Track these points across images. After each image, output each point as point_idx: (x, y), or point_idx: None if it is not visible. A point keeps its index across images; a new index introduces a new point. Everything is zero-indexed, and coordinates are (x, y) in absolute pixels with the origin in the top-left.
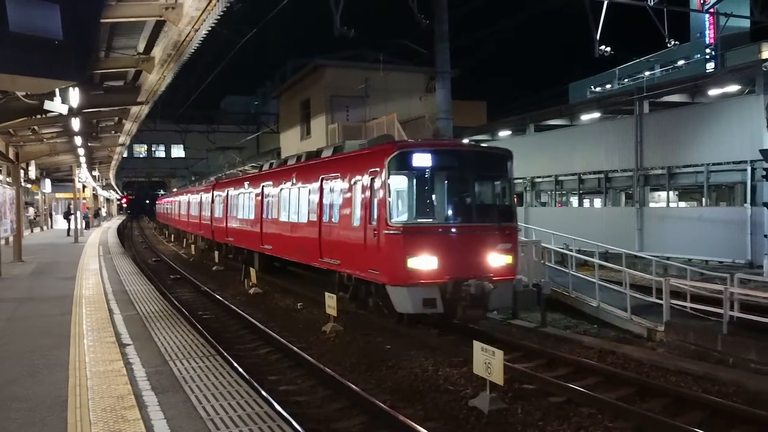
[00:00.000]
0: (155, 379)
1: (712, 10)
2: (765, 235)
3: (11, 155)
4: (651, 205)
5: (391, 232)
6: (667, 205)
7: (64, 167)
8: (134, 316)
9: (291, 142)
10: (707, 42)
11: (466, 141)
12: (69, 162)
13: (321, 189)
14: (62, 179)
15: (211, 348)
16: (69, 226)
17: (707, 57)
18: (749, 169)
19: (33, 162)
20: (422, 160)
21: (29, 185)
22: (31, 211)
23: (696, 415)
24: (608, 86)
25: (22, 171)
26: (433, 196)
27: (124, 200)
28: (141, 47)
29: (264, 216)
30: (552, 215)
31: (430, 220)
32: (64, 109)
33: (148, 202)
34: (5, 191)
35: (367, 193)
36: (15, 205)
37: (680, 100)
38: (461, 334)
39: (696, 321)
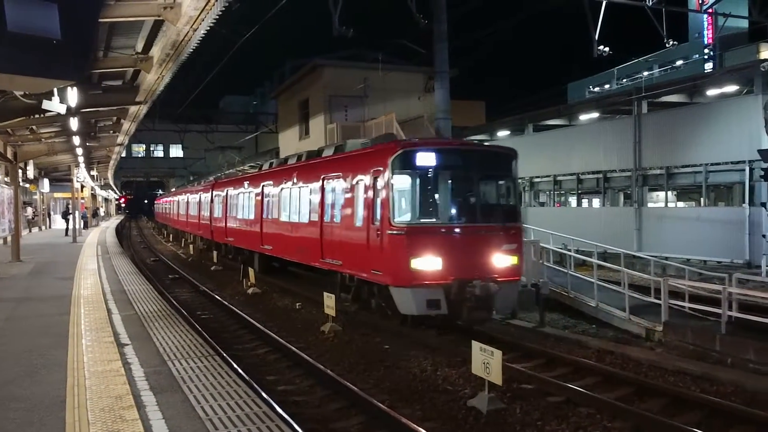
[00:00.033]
0: (154, 379)
1: (710, 11)
2: (763, 235)
3: (9, 155)
4: (649, 205)
5: (395, 232)
6: (666, 205)
7: (63, 167)
8: (133, 316)
9: (289, 142)
10: (706, 42)
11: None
12: (67, 162)
13: (322, 188)
14: (60, 179)
15: (210, 348)
16: (67, 225)
17: (706, 57)
18: (747, 169)
19: (31, 162)
20: (426, 159)
21: (27, 185)
22: (30, 210)
23: (694, 415)
24: (607, 86)
25: (20, 171)
26: (438, 196)
27: (122, 200)
28: (139, 47)
29: (264, 216)
30: (550, 215)
31: (434, 220)
32: (62, 109)
33: (146, 201)
34: (3, 191)
35: (370, 193)
36: (13, 205)
37: (679, 101)
38: (460, 334)
39: (694, 321)
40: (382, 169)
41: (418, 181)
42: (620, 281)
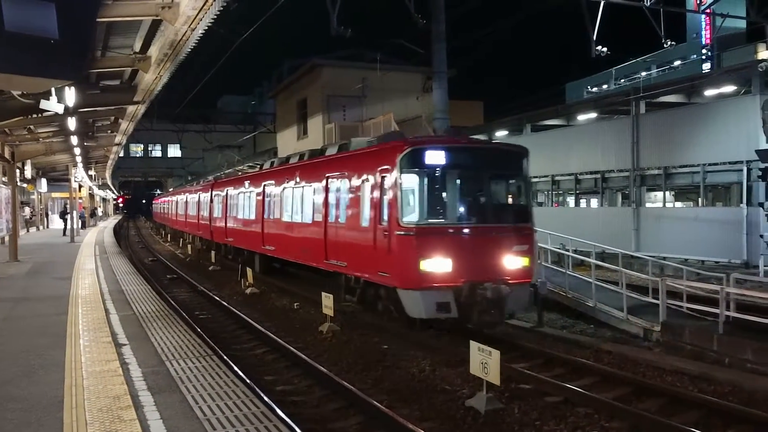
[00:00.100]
0: (152, 380)
1: (708, 11)
2: (761, 235)
3: (7, 154)
4: (647, 205)
5: (403, 233)
6: (664, 206)
7: (60, 167)
8: (130, 316)
9: (288, 142)
10: (703, 42)
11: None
12: (65, 161)
13: (326, 188)
14: (58, 179)
15: (208, 348)
16: (65, 225)
17: (703, 57)
18: (745, 169)
19: (29, 161)
20: (436, 157)
21: (25, 185)
22: (27, 210)
23: (692, 415)
24: (605, 86)
25: (18, 170)
26: (447, 195)
27: (120, 200)
28: (137, 46)
29: (265, 216)
30: (549, 215)
31: (444, 220)
32: (60, 109)
33: (144, 201)
34: (1, 191)
35: (377, 192)
36: (11, 205)
37: (677, 101)
38: (458, 335)
39: (692, 321)
40: (389, 167)
41: (427, 180)
42: (618, 281)
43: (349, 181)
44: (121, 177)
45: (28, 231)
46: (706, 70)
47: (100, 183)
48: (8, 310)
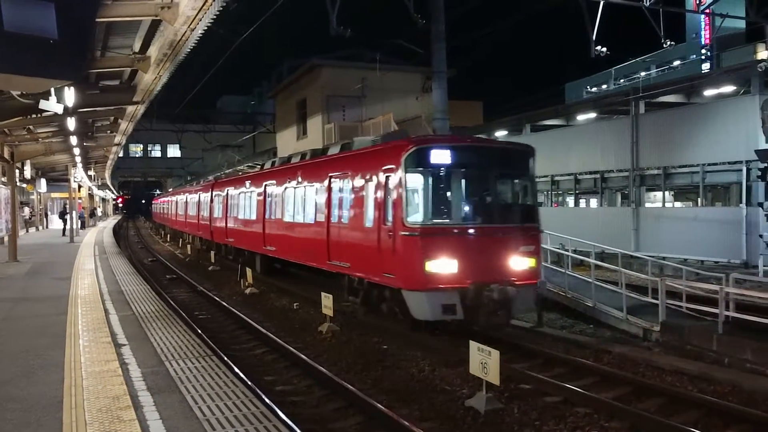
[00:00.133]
0: (151, 380)
1: (707, 11)
2: (760, 235)
3: (6, 155)
4: (647, 205)
5: (408, 233)
6: (663, 205)
7: (60, 167)
8: (130, 317)
9: (287, 143)
10: (703, 42)
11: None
12: (64, 161)
13: (329, 188)
14: (58, 179)
15: (208, 348)
16: (64, 225)
17: (703, 57)
18: (744, 169)
19: (28, 161)
20: (441, 156)
21: (24, 185)
22: (27, 210)
23: (691, 415)
24: (604, 86)
25: (17, 170)
26: (453, 195)
27: (119, 200)
28: (137, 47)
29: (267, 216)
30: (548, 215)
31: (450, 220)
32: (59, 109)
33: (144, 201)
34: (0, 191)
35: (381, 192)
36: (10, 205)
37: (676, 101)
38: (458, 335)
39: (692, 321)
40: (394, 167)
41: (432, 179)
42: (618, 281)
43: (353, 180)
44: (120, 177)
45: (27, 231)
46: (706, 70)
47: (100, 183)
48: (7, 311)
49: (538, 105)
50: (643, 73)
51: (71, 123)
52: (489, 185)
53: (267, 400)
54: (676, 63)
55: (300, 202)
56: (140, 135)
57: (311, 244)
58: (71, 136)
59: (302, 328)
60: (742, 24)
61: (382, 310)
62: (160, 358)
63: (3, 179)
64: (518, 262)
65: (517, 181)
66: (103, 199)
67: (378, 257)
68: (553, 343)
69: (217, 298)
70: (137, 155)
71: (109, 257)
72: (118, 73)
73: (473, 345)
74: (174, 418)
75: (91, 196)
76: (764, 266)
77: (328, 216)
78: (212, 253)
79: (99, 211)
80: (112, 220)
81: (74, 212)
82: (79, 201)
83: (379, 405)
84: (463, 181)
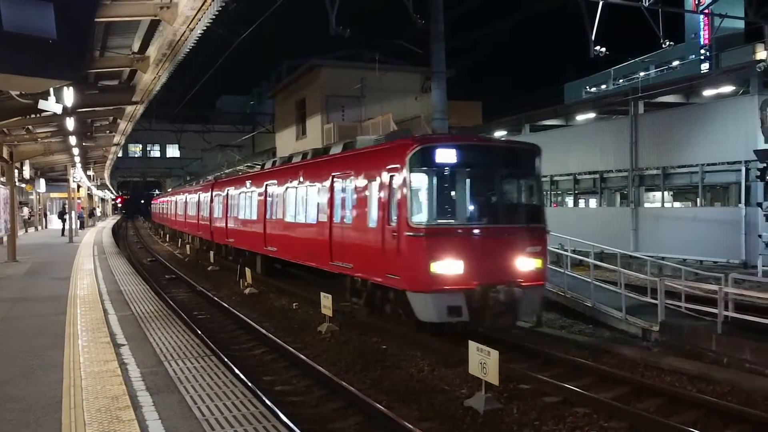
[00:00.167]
0: (150, 380)
1: (706, 11)
2: (759, 235)
3: (5, 155)
4: (646, 205)
5: (413, 233)
6: (662, 206)
7: (59, 167)
8: (129, 317)
9: (286, 143)
10: (702, 43)
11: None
12: (63, 162)
13: (332, 188)
14: (57, 179)
15: (207, 348)
16: (63, 226)
17: (702, 57)
18: (743, 169)
19: (27, 161)
20: (446, 155)
21: (23, 185)
22: (26, 210)
23: (690, 415)
24: (603, 87)
25: (16, 170)
26: (458, 195)
27: (119, 200)
28: (136, 46)
29: (268, 216)
30: (548, 215)
31: (455, 220)
32: (58, 109)
33: (143, 201)
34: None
35: (385, 192)
36: (9, 205)
37: (675, 101)
38: (457, 335)
39: (691, 321)
40: (398, 166)
41: (437, 179)
42: (617, 281)
43: (356, 180)
44: (119, 177)
45: (26, 231)
46: (705, 71)
47: (99, 183)
48: (6, 311)
49: (537, 105)
50: (642, 74)
51: (70, 123)
52: (495, 185)
53: (266, 401)
54: (675, 63)
55: (302, 202)
56: (139, 135)
57: (313, 245)
58: (70, 136)
59: (301, 328)
60: (741, 24)
61: (385, 312)
62: (159, 358)
63: (2, 179)
64: (524, 263)
65: (523, 180)
66: (102, 199)
67: (382, 258)
68: (553, 343)
69: (217, 298)
70: (136, 155)
71: (108, 257)
72: (117, 73)
73: (472, 345)
74: (173, 418)
75: (90, 196)
76: (763, 266)
77: (331, 216)
78: (211, 253)
79: (98, 211)
80: (111, 220)
81: (73, 212)
82: (78, 201)
83: (378, 405)
84: (468, 181)
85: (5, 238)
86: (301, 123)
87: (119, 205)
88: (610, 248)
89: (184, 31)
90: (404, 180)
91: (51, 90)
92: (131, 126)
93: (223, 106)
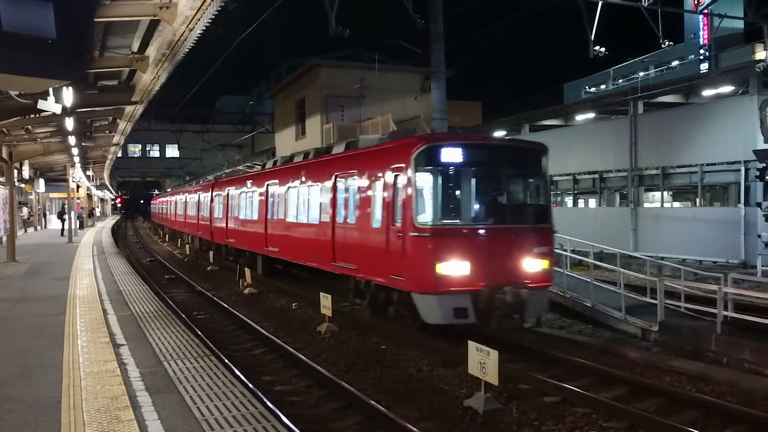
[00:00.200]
0: (149, 380)
1: (706, 11)
2: (758, 235)
3: (5, 155)
4: (645, 205)
5: (418, 234)
6: (662, 205)
7: (58, 167)
8: (128, 317)
9: (286, 143)
10: (701, 43)
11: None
12: (63, 162)
13: (334, 187)
14: (56, 179)
15: (206, 348)
16: (63, 226)
17: (701, 58)
18: (743, 169)
19: (26, 161)
20: (452, 155)
21: (23, 185)
22: (25, 210)
23: (690, 415)
24: (603, 87)
25: (15, 171)
26: (464, 195)
27: (118, 200)
28: (135, 46)
29: (269, 216)
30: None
31: (461, 221)
32: (57, 109)
33: (142, 201)
34: None
35: (390, 192)
36: (8, 205)
37: (674, 101)
38: (456, 334)
39: (690, 321)
40: (403, 165)
41: (442, 178)
42: (616, 281)
43: (359, 180)
44: (119, 177)
45: (26, 231)
46: (704, 71)
47: (98, 183)
48: (6, 311)
49: (536, 105)
50: (641, 74)
51: (69, 123)
52: (501, 184)
53: (266, 401)
54: (675, 63)
55: (304, 202)
56: (139, 135)
57: (316, 245)
58: (70, 136)
59: (301, 328)
60: (740, 24)
61: (389, 314)
62: (158, 358)
63: (1, 179)
64: (532, 264)
65: (530, 180)
66: (102, 199)
67: (386, 259)
68: (552, 343)
69: (216, 298)
70: (136, 155)
71: (108, 257)
72: (117, 73)
73: (472, 345)
74: (173, 419)
75: (89, 196)
76: (762, 266)
77: (334, 216)
78: (211, 253)
79: (97, 212)
80: (111, 220)
81: (72, 212)
82: (78, 201)
83: (377, 405)
84: (474, 180)
85: (5, 238)
86: (301, 123)
87: (119, 205)
88: (610, 248)
89: (184, 31)
90: (409, 179)
91: (50, 90)
92: (131, 126)
93: (223, 106)
